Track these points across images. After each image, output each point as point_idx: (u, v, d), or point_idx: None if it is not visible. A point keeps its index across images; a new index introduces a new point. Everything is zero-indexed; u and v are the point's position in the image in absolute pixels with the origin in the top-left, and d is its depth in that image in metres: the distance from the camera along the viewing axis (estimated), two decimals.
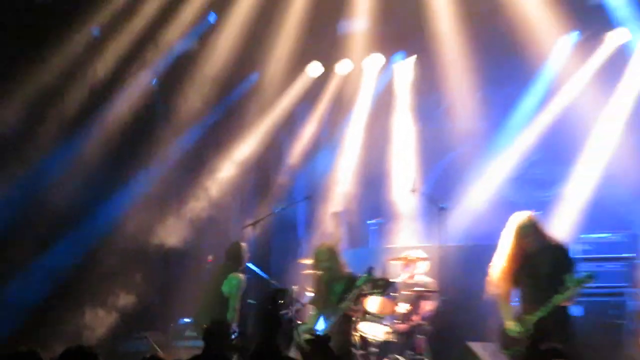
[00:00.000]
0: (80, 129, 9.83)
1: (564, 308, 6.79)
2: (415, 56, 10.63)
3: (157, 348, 8.87)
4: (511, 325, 6.81)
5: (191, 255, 10.58)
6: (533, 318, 6.72)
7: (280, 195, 11.06)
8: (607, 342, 8.92)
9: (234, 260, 8.50)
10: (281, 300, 7.05)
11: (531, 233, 6.99)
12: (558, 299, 6.64)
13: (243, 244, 8.63)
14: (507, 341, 6.97)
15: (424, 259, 8.82)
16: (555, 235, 7.20)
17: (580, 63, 9.76)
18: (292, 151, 11.24)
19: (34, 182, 9.70)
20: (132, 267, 10.23)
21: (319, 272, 7.98)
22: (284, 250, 10.82)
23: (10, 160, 9.70)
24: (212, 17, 10.11)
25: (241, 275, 8.38)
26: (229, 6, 9.71)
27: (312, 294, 8.12)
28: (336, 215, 11.07)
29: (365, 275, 7.71)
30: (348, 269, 7.91)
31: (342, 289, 7.80)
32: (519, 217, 7.06)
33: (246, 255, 8.60)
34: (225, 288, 8.30)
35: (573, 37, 9.68)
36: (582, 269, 7.17)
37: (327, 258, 7.86)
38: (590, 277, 6.76)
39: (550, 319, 6.66)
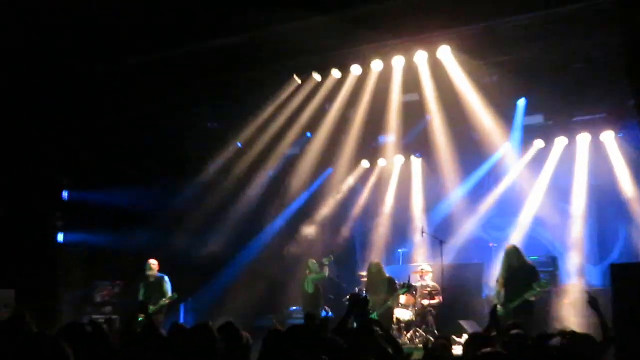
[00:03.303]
0: (230, 203, 13.61)
1: (529, 300, 9.05)
2: (420, 157, 13.79)
3: (277, 324, 9.87)
4: (500, 308, 8.46)
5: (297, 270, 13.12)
6: (512, 305, 8.99)
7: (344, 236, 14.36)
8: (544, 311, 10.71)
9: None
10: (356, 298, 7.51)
11: (514, 256, 9.31)
12: (528, 295, 8.98)
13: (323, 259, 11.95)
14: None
15: (430, 272, 11.79)
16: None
17: (517, 160, 12.58)
18: (351, 213, 14.40)
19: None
20: (262, 278, 13.62)
21: (370, 277, 11.15)
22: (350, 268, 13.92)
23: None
24: (309, 134, 13.22)
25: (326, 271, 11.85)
26: (318, 128, 12.86)
27: (366, 288, 11.07)
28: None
29: (404, 287, 10.81)
30: (387, 275, 11.05)
31: (386, 287, 10.76)
32: (507, 246, 9.41)
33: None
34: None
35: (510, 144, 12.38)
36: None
37: (376, 270, 11.13)
38: (548, 283, 9.36)
39: (521, 306, 8.99)
